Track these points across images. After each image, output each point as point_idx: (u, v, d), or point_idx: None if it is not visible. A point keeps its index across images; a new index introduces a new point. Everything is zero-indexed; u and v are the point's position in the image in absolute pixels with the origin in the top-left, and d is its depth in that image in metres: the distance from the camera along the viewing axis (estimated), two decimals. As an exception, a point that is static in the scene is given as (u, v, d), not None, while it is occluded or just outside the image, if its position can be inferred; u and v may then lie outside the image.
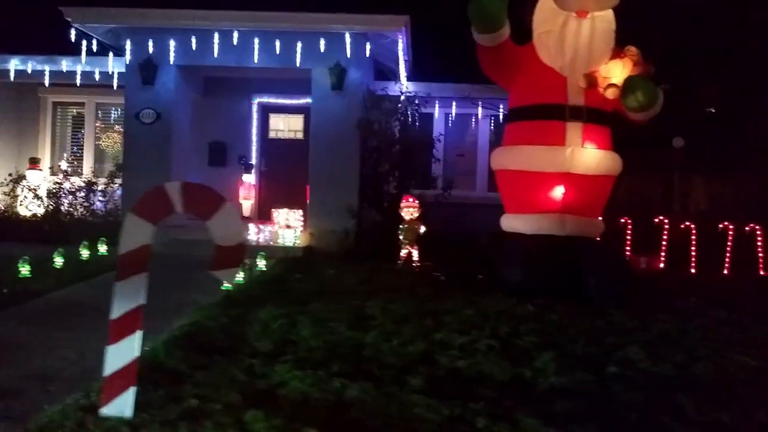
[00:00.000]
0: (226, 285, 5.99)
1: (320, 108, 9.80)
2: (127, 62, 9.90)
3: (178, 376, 3.78)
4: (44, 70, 10.87)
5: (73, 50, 10.84)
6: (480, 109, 11.44)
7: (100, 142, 13.06)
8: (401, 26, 9.15)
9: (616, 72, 6.50)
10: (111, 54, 10.45)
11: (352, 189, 9.73)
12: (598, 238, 7.13)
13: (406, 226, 8.44)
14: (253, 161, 12.48)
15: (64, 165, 12.55)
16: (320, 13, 9.30)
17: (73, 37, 9.96)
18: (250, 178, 12.36)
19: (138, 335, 3.34)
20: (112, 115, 13.03)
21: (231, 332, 4.80)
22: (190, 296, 6.15)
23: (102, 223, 10.04)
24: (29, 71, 10.86)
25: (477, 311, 5.56)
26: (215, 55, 9.69)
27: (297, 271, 7.62)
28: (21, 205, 10.93)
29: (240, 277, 6.55)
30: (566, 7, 6.42)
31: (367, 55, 9.74)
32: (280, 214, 10.05)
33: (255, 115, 12.59)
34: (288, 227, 9.86)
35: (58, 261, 7.22)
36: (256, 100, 12.57)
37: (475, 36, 6.52)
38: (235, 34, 9.54)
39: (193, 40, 9.58)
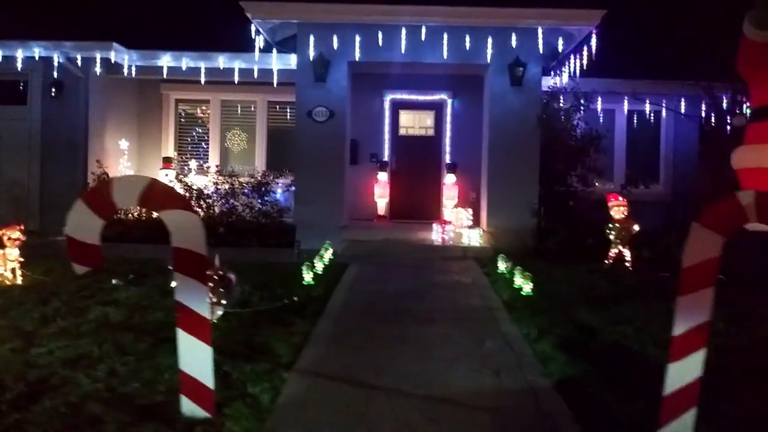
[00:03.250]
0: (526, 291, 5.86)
1: (498, 105, 9.60)
2: (299, 59, 9.61)
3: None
4: (199, 67, 10.53)
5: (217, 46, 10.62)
6: (648, 105, 11.38)
7: (226, 141, 12.77)
8: (597, 21, 8.95)
9: None
10: (274, 51, 10.17)
11: (531, 186, 9.55)
12: None
13: (617, 225, 8.28)
14: (385, 159, 12.27)
15: (193, 164, 12.28)
16: (512, 8, 9.07)
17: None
18: (383, 176, 12.14)
19: (701, 353, 3.16)
20: (238, 113, 12.75)
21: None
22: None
23: (274, 224, 9.79)
24: (183, 68, 10.52)
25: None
26: (388, 50, 9.46)
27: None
28: None
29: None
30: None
31: (541, 50, 9.53)
32: (454, 213, 9.86)
33: (387, 112, 12.37)
34: (456, 225, 9.69)
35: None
36: (388, 97, 12.34)
37: (749, 31, 6.36)
38: (404, 31, 9.31)
39: (368, 36, 9.33)
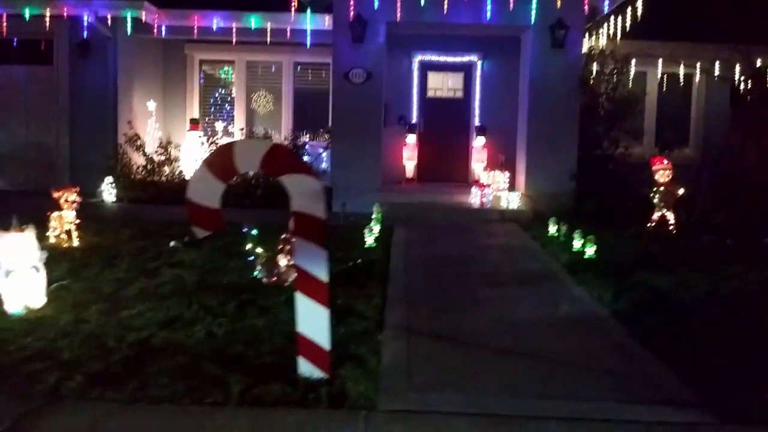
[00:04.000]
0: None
1: (538, 67, 9.47)
2: (336, 20, 9.43)
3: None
4: (229, 27, 10.31)
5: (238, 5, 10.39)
6: (682, 67, 11.27)
7: (251, 103, 12.61)
8: (641, -20, 8.80)
9: None
10: (308, 11, 9.96)
11: (570, 150, 9.51)
12: None
13: (662, 189, 8.27)
14: (413, 121, 12.16)
15: (219, 126, 12.17)
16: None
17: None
18: (412, 139, 12.05)
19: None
20: (264, 74, 12.55)
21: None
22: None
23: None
24: (213, 28, 10.31)
25: None
26: (428, 11, 9.28)
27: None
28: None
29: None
30: None
31: (587, 10, 9.36)
32: (491, 176, 9.84)
33: (415, 74, 12.21)
34: (494, 188, 9.68)
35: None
36: (417, 58, 12.15)
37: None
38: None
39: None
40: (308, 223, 3.23)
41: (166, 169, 10.53)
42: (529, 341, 4.09)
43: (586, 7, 9.23)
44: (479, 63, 12.20)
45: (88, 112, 10.43)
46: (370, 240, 6.27)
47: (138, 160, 10.47)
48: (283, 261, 4.99)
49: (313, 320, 3.33)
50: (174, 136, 11.53)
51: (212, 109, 12.69)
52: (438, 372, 3.56)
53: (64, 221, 6.30)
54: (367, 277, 5.48)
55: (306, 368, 3.35)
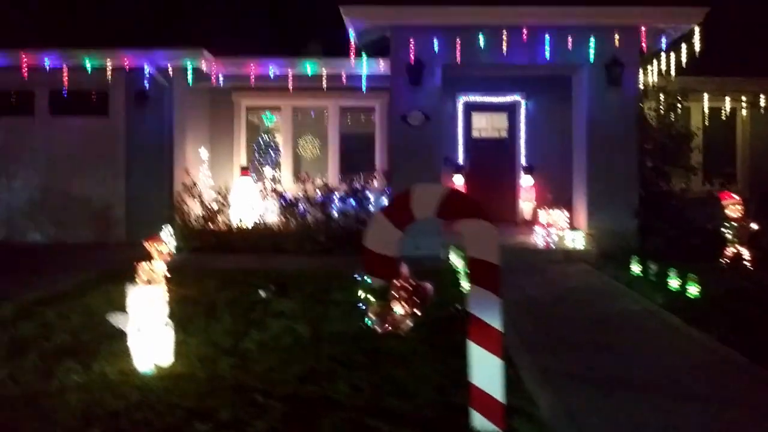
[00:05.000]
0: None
1: (595, 105, 9.51)
2: (394, 63, 9.55)
3: None
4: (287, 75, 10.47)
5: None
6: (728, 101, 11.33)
7: (297, 148, 12.70)
8: (700, 18, 8.90)
9: None
10: (364, 55, 10.11)
11: (631, 187, 9.47)
12: None
13: (734, 224, 8.21)
14: (460, 162, 12.22)
15: (268, 172, 12.22)
16: (615, 6, 9.01)
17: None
18: (459, 179, 12.08)
19: None
20: (310, 119, 12.69)
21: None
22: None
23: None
24: (270, 75, 10.46)
25: None
26: (484, 53, 9.39)
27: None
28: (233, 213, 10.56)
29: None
30: None
31: (645, 49, 9.47)
32: (552, 215, 9.81)
33: (460, 115, 12.32)
34: (556, 228, 9.62)
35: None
36: (462, 99, 12.29)
37: None
38: (505, 33, 9.24)
39: (466, 38, 9.28)
40: (483, 269, 3.18)
41: (221, 218, 10.53)
42: (684, 384, 3.98)
43: (644, 44, 9.31)
44: (523, 103, 12.32)
45: (144, 161, 10.50)
46: (465, 284, 6.16)
47: (195, 208, 10.47)
48: (398, 309, 4.90)
49: (486, 371, 3.24)
50: (222, 183, 11.57)
51: (259, 155, 12.76)
52: (606, 423, 3.45)
53: (155, 272, 6.24)
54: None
55: (480, 422, 3.24)
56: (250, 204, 10.58)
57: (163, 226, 9.94)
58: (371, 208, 9.96)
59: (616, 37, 9.19)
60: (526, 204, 12.24)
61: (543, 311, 6.04)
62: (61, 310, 5.79)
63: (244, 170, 11.66)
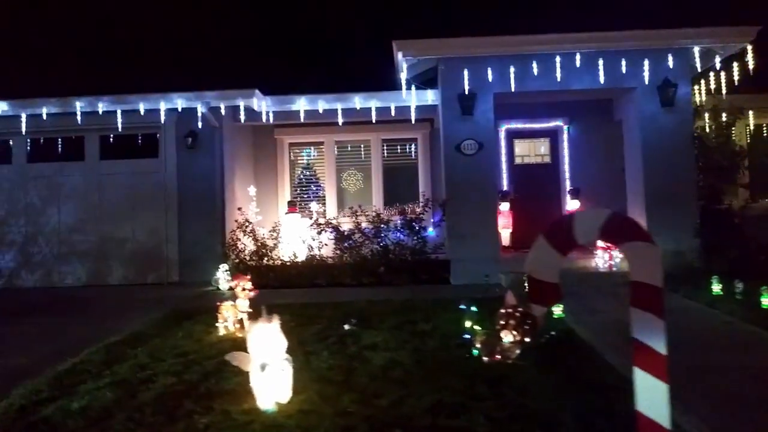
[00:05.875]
0: None
1: (649, 126, 9.49)
2: (444, 93, 9.61)
3: None
4: (336, 109, 10.54)
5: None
6: None
7: (341, 182, 12.73)
8: (752, 36, 8.93)
9: None
10: (413, 88, 10.18)
11: (690, 206, 9.38)
12: None
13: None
14: (505, 188, 12.18)
15: (314, 207, 12.21)
16: (667, 29, 9.07)
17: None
18: (505, 206, 12.03)
19: None
20: (352, 153, 12.74)
21: None
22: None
23: (426, 261, 9.65)
24: (320, 111, 10.53)
25: None
26: (536, 79, 9.46)
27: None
28: (285, 247, 10.51)
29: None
30: None
31: (699, 68, 9.49)
32: (609, 239, 9.71)
33: (503, 142, 12.34)
34: (607, 249, 9.49)
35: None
36: (503, 127, 12.32)
37: None
38: (558, 59, 9.33)
39: (518, 66, 9.38)
40: (647, 292, 3.09)
41: (274, 253, 10.49)
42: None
43: (697, 65, 9.33)
44: (565, 128, 12.34)
45: (196, 201, 10.53)
46: (558, 310, 6.07)
47: (249, 245, 10.45)
48: (507, 337, 4.79)
49: (652, 398, 3.13)
50: (267, 218, 11.58)
51: (302, 189, 12.80)
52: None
53: (239, 310, 6.19)
54: (569, 347, 5.28)
55: (649, 451, 3.12)
56: (300, 238, 10.55)
57: (217, 265, 9.95)
58: (426, 238, 9.88)
59: (670, 58, 9.24)
60: (574, 228, 12.15)
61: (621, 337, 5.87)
62: (150, 351, 5.72)
63: (292, 206, 11.67)
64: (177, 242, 10.55)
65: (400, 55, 9.40)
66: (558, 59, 9.27)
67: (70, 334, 6.76)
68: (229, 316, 6.23)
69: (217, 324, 6.34)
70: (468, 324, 5.01)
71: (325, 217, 10.67)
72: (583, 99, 11.21)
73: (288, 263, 10.08)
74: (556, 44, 9.22)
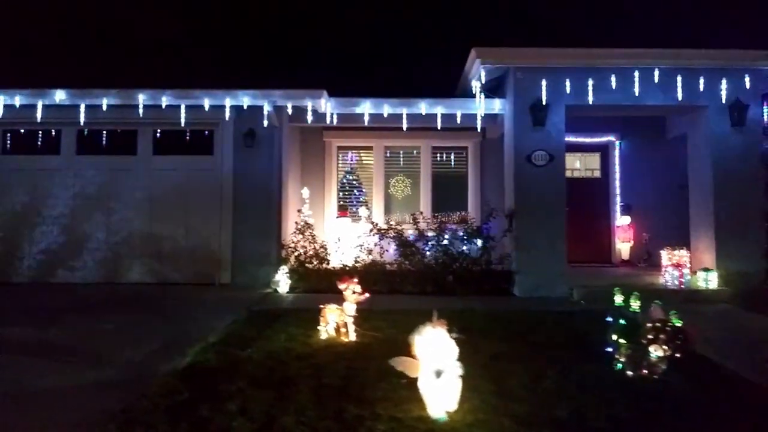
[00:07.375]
0: None
1: (719, 145, 9.51)
2: (516, 104, 9.55)
3: None
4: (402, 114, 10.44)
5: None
6: None
7: (389, 188, 12.62)
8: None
9: None
10: (482, 96, 10.12)
11: (759, 225, 9.39)
12: None
13: None
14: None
15: (363, 212, 12.08)
16: (741, 49, 9.13)
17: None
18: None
19: None
20: (401, 159, 12.64)
21: None
22: None
23: (491, 271, 9.55)
24: (384, 115, 10.42)
25: None
26: (609, 92, 9.45)
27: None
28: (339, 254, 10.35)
29: None
30: None
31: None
32: (674, 256, 9.70)
33: (554, 156, 12.30)
34: (677, 266, 9.48)
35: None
36: (556, 140, 12.28)
37: None
38: (637, 74, 9.34)
39: (595, 78, 9.38)
40: None
41: (331, 258, 10.33)
42: None
43: (772, 86, 9.39)
44: (617, 143, 12.37)
45: (252, 201, 10.31)
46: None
47: (308, 248, 10.27)
48: (657, 352, 4.70)
49: None
50: (316, 222, 11.41)
51: (345, 194, 12.66)
52: None
53: (346, 313, 6.03)
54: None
55: None
56: (357, 243, 10.40)
57: (269, 268, 9.78)
58: (490, 249, 9.78)
59: (746, 78, 9.29)
60: (623, 244, 12.16)
61: (741, 353, 5.81)
62: (263, 353, 5.54)
63: (342, 210, 11.53)
64: (231, 243, 10.32)
65: (477, 63, 9.33)
66: (636, 73, 9.27)
67: (159, 332, 6.54)
68: (335, 320, 6.07)
69: (318, 327, 6.18)
70: (613, 337, 4.90)
71: (374, 223, 10.53)
72: (635, 115, 11.24)
73: (347, 268, 9.92)
74: (633, 59, 9.23)
